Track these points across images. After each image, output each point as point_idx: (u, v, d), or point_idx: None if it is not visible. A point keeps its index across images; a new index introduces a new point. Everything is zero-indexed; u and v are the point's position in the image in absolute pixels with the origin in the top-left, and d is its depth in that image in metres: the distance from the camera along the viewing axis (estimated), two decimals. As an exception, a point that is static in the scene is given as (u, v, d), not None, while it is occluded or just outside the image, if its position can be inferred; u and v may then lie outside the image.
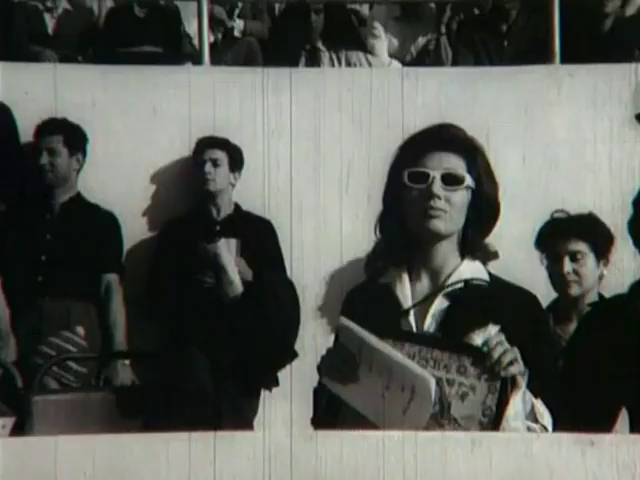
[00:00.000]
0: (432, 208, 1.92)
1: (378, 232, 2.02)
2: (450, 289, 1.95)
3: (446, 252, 1.97)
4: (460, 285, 1.94)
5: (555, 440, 1.80)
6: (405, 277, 1.97)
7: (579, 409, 2.14)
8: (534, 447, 1.79)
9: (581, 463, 1.76)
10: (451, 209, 1.94)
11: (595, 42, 4.91)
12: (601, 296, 3.05)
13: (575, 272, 3.01)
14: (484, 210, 1.97)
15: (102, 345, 3.91)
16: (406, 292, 1.96)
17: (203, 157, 4.11)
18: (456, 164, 1.95)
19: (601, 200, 4.42)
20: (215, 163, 4.11)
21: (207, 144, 4.14)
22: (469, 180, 1.95)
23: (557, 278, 3.03)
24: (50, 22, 5.33)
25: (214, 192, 4.11)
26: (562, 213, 3.07)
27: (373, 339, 1.81)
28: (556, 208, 3.06)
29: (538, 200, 4.07)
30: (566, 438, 1.79)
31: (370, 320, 1.86)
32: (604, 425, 2.18)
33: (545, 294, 2.11)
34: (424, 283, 1.98)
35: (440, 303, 1.94)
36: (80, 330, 3.82)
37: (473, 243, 1.98)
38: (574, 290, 3.02)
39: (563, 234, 3.02)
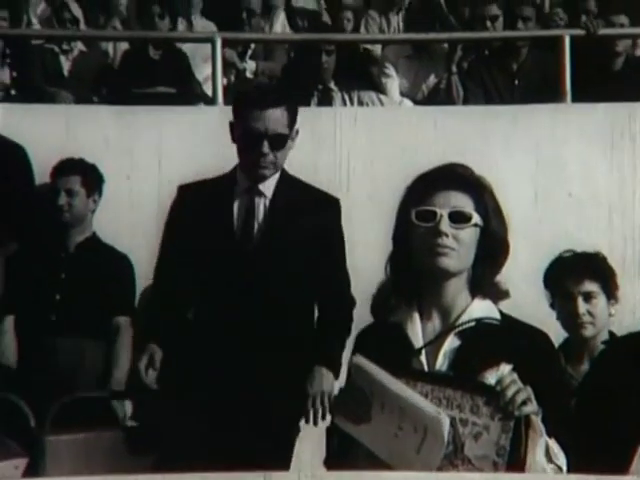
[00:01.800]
0: (440, 246, 1.93)
1: (388, 271, 2.03)
2: (461, 328, 1.94)
3: (456, 291, 1.98)
4: (471, 324, 1.94)
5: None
6: (416, 316, 1.98)
7: (594, 449, 2.12)
8: (548, 488, 1.77)
9: (596, 504, 1.74)
10: (459, 247, 1.94)
11: (606, 81, 4.93)
12: (612, 334, 3.03)
13: (589, 313, 2.98)
14: (493, 248, 1.98)
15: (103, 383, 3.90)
16: (417, 331, 1.96)
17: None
18: (464, 202, 1.97)
19: (612, 236, 4.42)
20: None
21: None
22: (477, 218, 1.96)
23: (571, 319, 3.00)
24: (66, 64, 5.40)
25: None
26: (571, 252, 3.05)
27: (386, 378, 1.81)
28: (565, 247, 3.04)
29: (549, 237, 4.08)
30: (581, 479, 1.77)
31: (381, 360, 1.85)
32: (620, 466, 2.16)
33: (554, 332, 2.10)
34: (435, 322, 1.98)
35: (451, 342, 1.94)
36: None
37: (483, 281, 1.98)
38: (589, 331, 2.99)
39: (575, 274, 2.99)
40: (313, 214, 3.05)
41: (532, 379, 1.81)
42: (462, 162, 2.03)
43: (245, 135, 2.97)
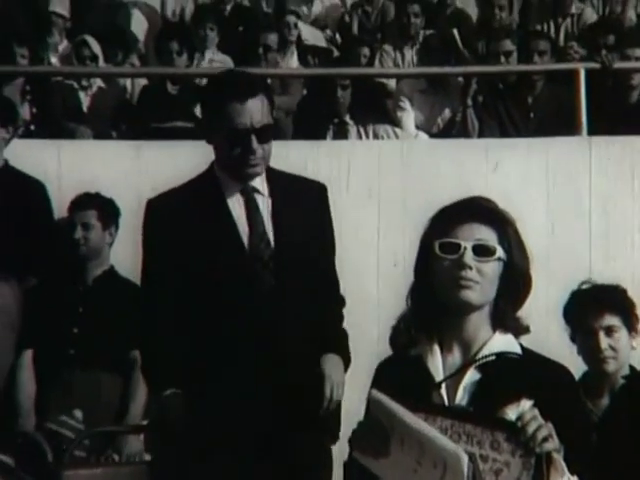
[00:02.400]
0: (463, 278, 1.93)
1: (409, 302, 2.02)
2: (482, 362, 1.94)
3: (478, 324, 1.97)
4: (492, 358, 1.93)
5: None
6: (436, 349, 1.97)
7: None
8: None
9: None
10: (482, 280, 1.94)
11: (622, 114, 4.94)
12: (632, 368, 3.00)
13: (611, 347, 2.93)
14: (515, 282, 1.97)
15: (117, 418, 3.89)
16: (437, 364, 1.95)
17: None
18: (488, 236, 1.96)
19: (632, 268, 4.40)
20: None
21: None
22: (500, 252, 1.96)
23: (592, 354, 2.94)
24: (85, 100, 5.46)
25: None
26: (589, 284, 3.02)
27: (405, 413, 1.79)
28: (583, 279, 3.02)
29: (567, 270, 4.06)
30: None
31: (401, 393, 1.85)
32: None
33: (575, 366, 2.08)
34: (455, 355, 1.97)
35: (472, 376, 1.93)
36: (78, 414, 3.80)
37: (505, 315, 1.97)
38: (611, 366, 2.94)
39: (595, 308, 2.94)
40: (311, 207, 2.72)
41: (553, 414, 1.79)
42: (482, 195, 2.03)
43: (229, 133, 2.58)
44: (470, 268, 1.93)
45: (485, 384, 1.91)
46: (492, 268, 1.95)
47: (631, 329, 2.96)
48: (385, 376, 2.01)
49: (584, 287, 3.00)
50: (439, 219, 2.01)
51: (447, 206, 2.02)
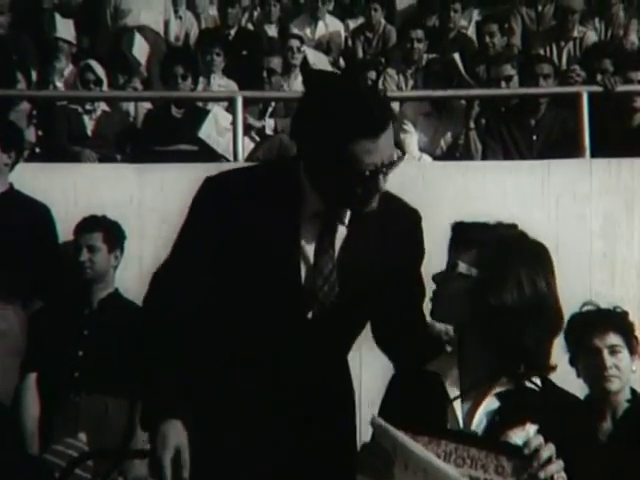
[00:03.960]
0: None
1: (430, 317, 1.99)
2: (500, 389, 1.90)
3: None
4: (510, 387, 1.90)
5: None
6: (455, 368, 1.94)
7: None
8: None
9: None
10: None
11: (625, 136, 4.95)
12: (633, 391, 3.00)
13: (616, 366, 2.95)
14: (547, 318, 1.92)
15: (123, 441, 3.88)
16: (455, 382, 1.92)
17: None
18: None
19: (635, 291, 4.39)
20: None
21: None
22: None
23: (597, 372, 2.96)
24: (89, 123, 5.49)
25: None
26: (592, 306, 3.03)
27: (407, 439, 1.78)
28: (585, 301, 3.03)
29: (569, 292, 4.05)
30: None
31: (413, 409, 1.83)
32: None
33: (574, 390, 2.07)
34: (473, 378, 1.92)
35: (490, 404, 1.90)
36: (82, 436, 3.79)
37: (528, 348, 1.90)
38: (615, 385, 2.95)
39: (600, 328, 2.96)
40: (396, 242, 2.19)
41: (566, 446, 1.78)
42: (485, 218, 1.99)
43: (354, 175, 2.07)
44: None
45: (503, 413, 1.88)
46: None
47: (632, 351, 2.98)
48: (398, 389, 1.97)
49: (586, 308, 3.01)
50: (458, 231, 1.97)
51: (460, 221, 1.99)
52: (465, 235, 1.95)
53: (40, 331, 4.07)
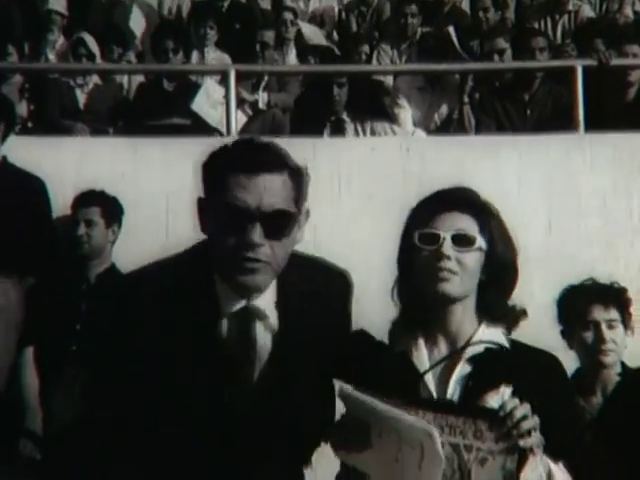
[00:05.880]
0: (442, 269, 1.90)
1: (395, 297, 2.00)
2: (470, 354, 1.91)
3: (462, 316, 1.94)
4: (479, 350, 1.92)
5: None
6: (421, 343, 1.94)
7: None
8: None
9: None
10: (462, 271, 1.91)
11: (619, 111, 4.94)
12: (624, 365, 3.02)
13: (613, 340, 2.98)
14: (499, 273, 1.94)
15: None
16: (423, 358, 1.93)
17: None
18: (468, 225, 1.93)
19: (632, 267, 4.40)
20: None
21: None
22: (481, 242, 1.93)
23: (594, 345, 2.98)
24: (81, 97, 5.46)
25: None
26: (591, 280, 3.05)
27: (376, 402, 1.78)
28: (579, 278, 3.04)
29: (565, 268, 4.06)
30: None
31: (387, 389, 1.82)
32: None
33: (566, 364, 2.07)
34: (441, 349, 1.94)
35: (462, 369, 1.91)
36: None
37: (490, 307, 1.95)
38: (610, 358, 2.98)
39: (600, 301, 2.99)
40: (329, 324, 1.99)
41: (542, 404, 1.79)
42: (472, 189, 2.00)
43: (224, 212, 1.86)
44: (449, 259, 1.90)
45: (476, 377, 1.89)
46: (473, 258, 1.92)
47: (626, 326, 3.01)
48: (369, 373, 1.95)
49: (587, 282, 3.04)
50: (420, 209, 1.97)
51: (427, 196, 1.98)
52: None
53: (37, 305, 4.05)
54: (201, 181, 1.95)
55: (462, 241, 1.92)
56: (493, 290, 1.95)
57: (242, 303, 1.92)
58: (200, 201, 1.95)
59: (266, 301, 1.94)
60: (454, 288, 1.91)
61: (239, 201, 1.85)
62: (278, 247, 1.87)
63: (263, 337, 1.94)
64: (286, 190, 1.88)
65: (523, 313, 1.97)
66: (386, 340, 2.00)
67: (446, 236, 1.91)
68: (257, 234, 1.84)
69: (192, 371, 1.89)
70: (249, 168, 1.86)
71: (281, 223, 1.87)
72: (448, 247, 1.90)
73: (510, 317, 1.97)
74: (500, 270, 1.94)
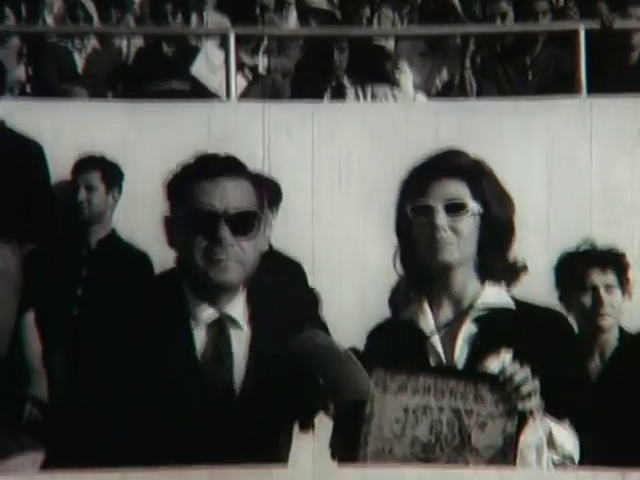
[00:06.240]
0: (438, 240, 1.91)
1: (397, 266, 2.01)
2: (475, 315, 1.92)
3: (464, 279, 1.95)
4: (484, 311, 1.93)
5: (589, 477, 1.76)
6: (426, 308, 1.96)
7: (611, 443, 2.10)
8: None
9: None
10: (458, 239, 1.92)
11: (622, 74, 4.91)
12: (621, 329, 3.03)
13: (611, 305, 2.99)
14: (496, 233, 1.95)
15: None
16: (429, 322, 1.94)
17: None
18: (459, 191, 1.93)
19: (633, 232, 4.39)
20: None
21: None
22: (474, 206, 1.93)
23: (592, 309, 2.99)
24: (80, 61, 5.43)
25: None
26: (589, 244, 3.05)
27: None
28: (579, 243, 3.04)
29: (567, 234, 4.05)
30: (599, 474, 1.75)
31: (396, 357, 1.84)
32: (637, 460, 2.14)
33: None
34: (447, 312, 1.96)
35: (468, 330, 1.92)
36: None
37: (491, 267, 1.96)
38: (608, 322, 2.99)
39: (598, 265, 3.00)
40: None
41: (550, 360, 1.81)
42: (462, 150, 1.98)
43: (190, 218, 1.93)
44: (444, 229, 1.90)
45: (483, 336, 1.90)
46: (467, 224, 1.92)
47: (624, 291, 3.01)
48: (377, 343, 1.98)
49: (584, 246, 3.03)
50: (410, 180, 1.97)
51: (417, 165, 1.97)
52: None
53: (37, 270, 4.05)
54: (166, 199, 2.02)
55: (455, 209, 1.92)
56: (492, 249, 1.95)
57: (216, 314, 1.94)
58: (166, 219, 2.01)
59: (236, 309, 1.95)
60: (453, 256, 1.92)
61: (205, 205, 1.91)
62: (248, 247, 1.92)
63: (238, 347, 1.94)
64: (249, 194, 1.94)
65: (524, 268, 1.98)
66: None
67: (438, 206, 1.91)
68: (226, 233, 1.90)
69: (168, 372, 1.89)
70: (211, 174, 1.93)
71: (247, 222, 1.92)
72: (442, 217, 1.91)
73: (511, 273, 1.97)
74: (497, 230, 1.95)
